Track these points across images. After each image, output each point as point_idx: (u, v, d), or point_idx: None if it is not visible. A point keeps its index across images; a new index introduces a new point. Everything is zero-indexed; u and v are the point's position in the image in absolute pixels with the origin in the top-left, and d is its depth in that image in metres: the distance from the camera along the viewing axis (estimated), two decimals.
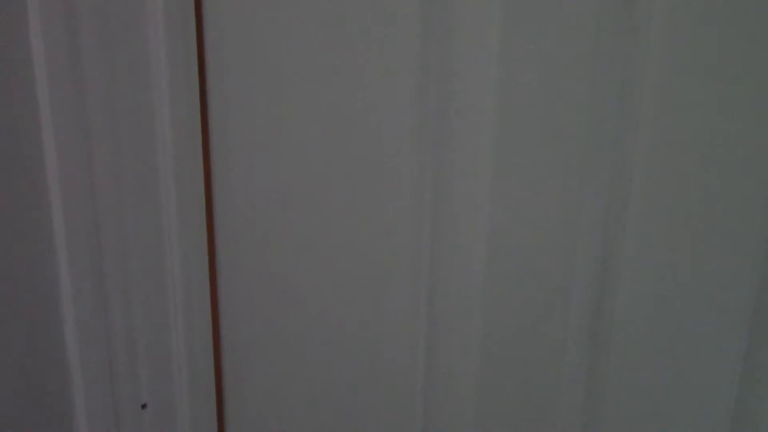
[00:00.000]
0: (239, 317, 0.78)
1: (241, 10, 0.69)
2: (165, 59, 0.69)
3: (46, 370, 0.69)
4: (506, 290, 0.67)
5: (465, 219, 0.66)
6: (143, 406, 0.76)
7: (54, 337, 0.69)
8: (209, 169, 0.73)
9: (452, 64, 0.62)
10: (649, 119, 0.58)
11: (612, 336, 0.64)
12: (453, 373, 0.71)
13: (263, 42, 0.69)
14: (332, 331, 0.75)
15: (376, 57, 0.65)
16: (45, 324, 0.68)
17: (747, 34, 0.54)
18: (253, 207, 0.74)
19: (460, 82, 0.62)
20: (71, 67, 0.64)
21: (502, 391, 0.70)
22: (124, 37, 0.67)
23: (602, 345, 0.65)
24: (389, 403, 0.75)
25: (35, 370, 0.68)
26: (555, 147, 0.61)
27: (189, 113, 0.72)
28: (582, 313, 0.65)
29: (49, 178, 0.65)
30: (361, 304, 0.73)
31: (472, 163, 0.64)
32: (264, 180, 0.73)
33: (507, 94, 0.61)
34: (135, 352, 0.74)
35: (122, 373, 0.74)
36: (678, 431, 0.65)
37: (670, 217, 0.60)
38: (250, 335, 0.78)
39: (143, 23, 0.67)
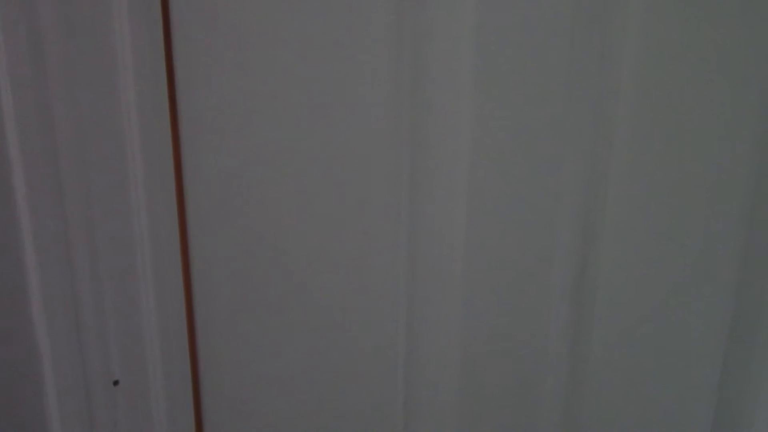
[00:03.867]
0: (213, 291, 0.77)
1: None
2: (129, 28, 0.67)
3: (12, 346, 0.67)
4: (487, 259, 0.66)
5: (443, 187, 0.65)
6: (115, 383, 0.74)
7: (20, 312, 0.67)
8: (178, 142, 0.71)
9: (428, 34, 0.61)
10: (630, 84, 0.58)
11: (595, 303, 0.65)
12: (433, 349, 0.71)
13: (230, 13, 0.66)
14: (309, 308, 0.74)
15: (350, 29, 0.63)
16: (9, 299, 0.66)
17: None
18: (226, 181, 0.72)
19: (437, 49, 0.61)
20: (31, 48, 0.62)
21: (485, 361, 0.70)
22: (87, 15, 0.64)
23: (585, 315, 0.65)
24: (368, 384, 0.74)
25: (0, 346, 0.67)
26: (535, 111, 0.61)
27: (154, 81, 0.70)
28: (565, 281, 0.65)
29: (11, 149, 0.63)
30: (337, 280, 0.72)
31: (450, 128, 0.63)
32: (236, 153, 0.71)
33: (485, 58, 0.60)
34: (105, 328, 0.72)
35: (93, 349, 0.72)
36: (663, 399, 0.66)
37: (652, 184, 0.60)
38: (225, 310, 0.77)
39: None
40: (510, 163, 0.63)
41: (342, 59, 0.64)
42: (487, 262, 0.66)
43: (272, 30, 0.65)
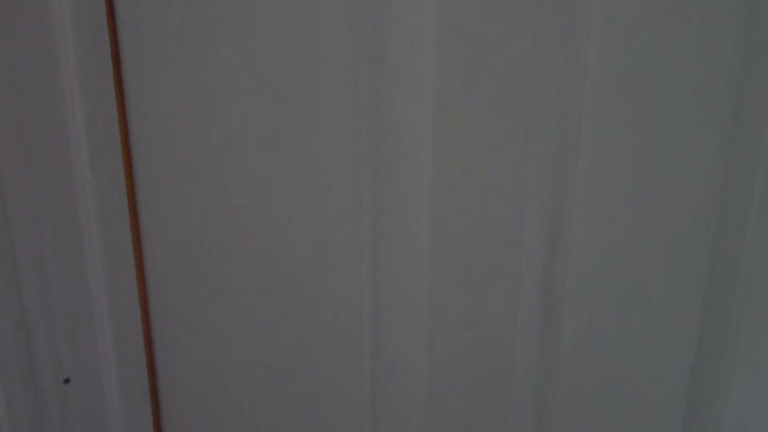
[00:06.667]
0: (168, 283, 0.75)
1: None
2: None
3: None
4: (454, 247, 0.65)
5: (407, 171, 0.63)
6: (66, 381, 0.72)
7: None
8: (125, 120, 0.68)
9: (388, 14, 0.59)
10: (596, 68, 0.56)
11: (564, 291, 0.64)
12: (400, 338, 0.69)
13: None
14: (270, 298, 0.72)
15: (307, 9, 0.61)
16: None
17: None
18: (177, 168, 0.70)
19: (398, 30, 0.59)
20: None
21: (453, 350, 0.68)
22: None
23: (555, 301, 0.64)
24: (333, 374, 0.73)
25: None
26: (500, 97, 0.59)
27: (97, 51, 0.66)
28: (534, 269, 0.64)
29: None
30: (299, 269, 0.70)
31: (413, 116, 0.61)
32: (187, 139, 0.69)
33: (447, 35, 0.58)
34: (54, 323, 0.70)
35: (41, 346, 0.70)
36: (634, 386, 0.65)
37: (621, 170, 0.59)
38: (180, 302, 0.75)
39: None
40: (476, 149, 0.61)
41: (299, 39, 0.62)
42: (454, 250, 0.65)
43: (225, 11, 0.63)
